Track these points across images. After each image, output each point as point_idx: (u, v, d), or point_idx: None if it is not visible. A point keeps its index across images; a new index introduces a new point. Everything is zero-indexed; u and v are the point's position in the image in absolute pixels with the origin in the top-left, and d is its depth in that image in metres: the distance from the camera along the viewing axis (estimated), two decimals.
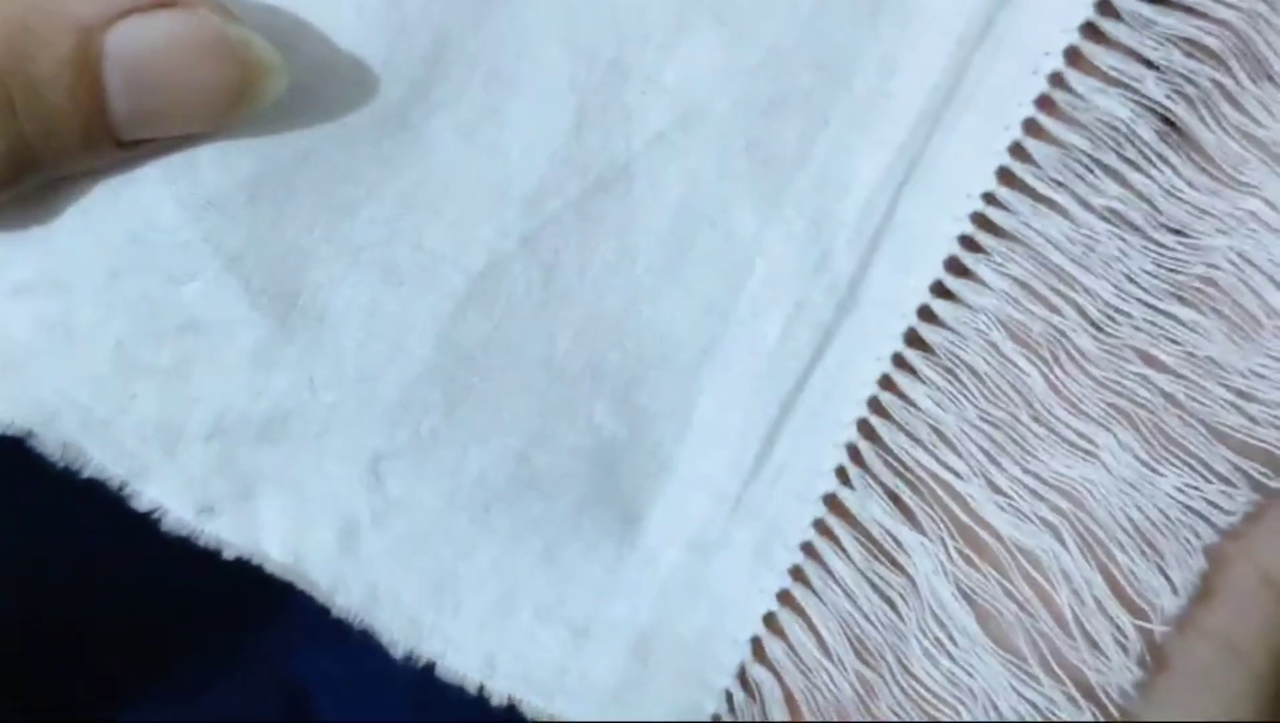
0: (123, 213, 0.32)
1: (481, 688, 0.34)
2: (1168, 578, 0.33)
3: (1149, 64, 0.33)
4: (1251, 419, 0.33)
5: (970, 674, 0.33)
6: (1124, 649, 0.33)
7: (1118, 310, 0.33)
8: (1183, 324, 0.33)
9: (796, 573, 0.34)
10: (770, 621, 0.34)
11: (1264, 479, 0.33)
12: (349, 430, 0.33)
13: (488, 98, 0.33)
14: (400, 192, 0.33)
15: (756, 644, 0.34)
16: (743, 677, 0.34)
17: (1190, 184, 0.33)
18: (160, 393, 0.32)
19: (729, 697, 0.34)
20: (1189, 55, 0.32)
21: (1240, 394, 0.33)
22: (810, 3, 0.33)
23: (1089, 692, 0.33)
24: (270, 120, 0.32)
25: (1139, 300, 0.33)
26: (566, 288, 0.33)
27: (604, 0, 0.33)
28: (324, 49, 0.32)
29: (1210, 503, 0.33)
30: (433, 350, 0.33)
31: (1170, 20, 0.32)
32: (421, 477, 0.33)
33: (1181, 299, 0.33)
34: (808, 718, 0.33)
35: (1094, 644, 0.33)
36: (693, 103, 0.33)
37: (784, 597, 0.34)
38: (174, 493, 0.32)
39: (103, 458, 0.32)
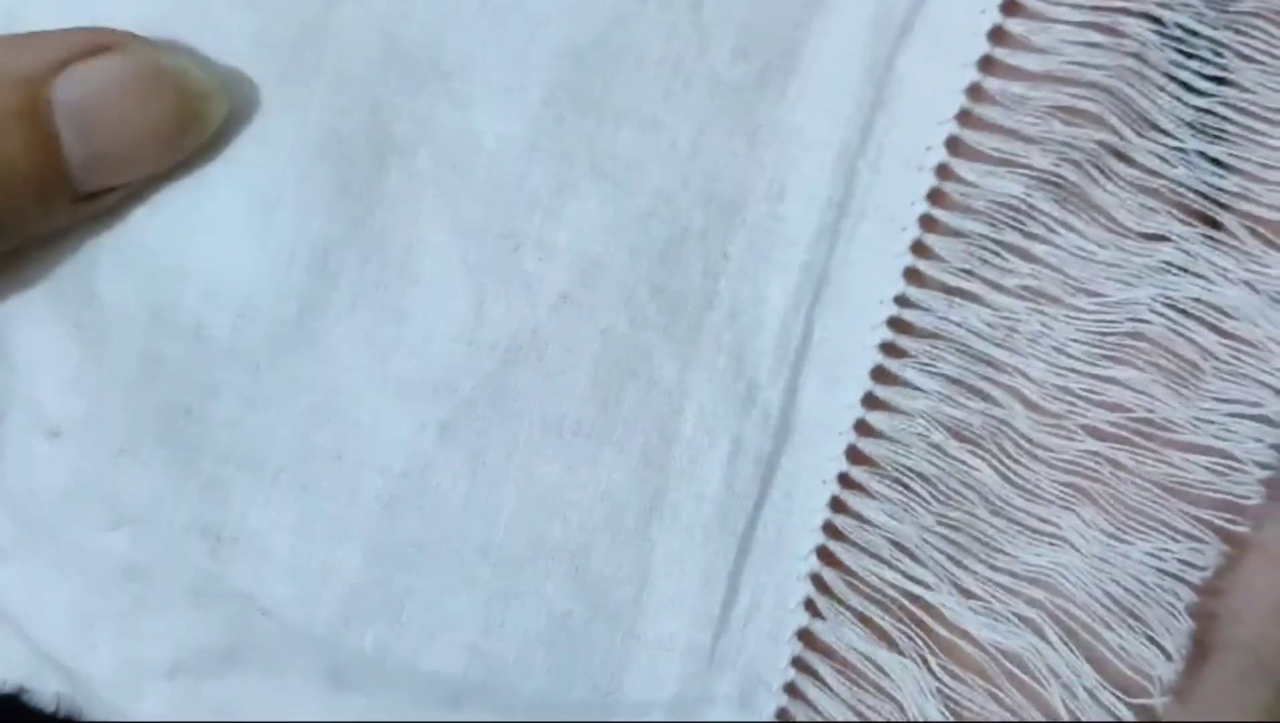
0: (53, 471, 0.32)
1: None
2: (1159, 646, 0.32)
3: (1031, 139, 0.32)
4: (1208, 470, 0.32)
5: None
6: None
7: (1054, 386, 0.32)
8: (1121, 385, 0.32)
9: (783, 715, 0.33)
10: None
11: (1232, 527, 0.32)
12: (301, 651, 0.32)
13: (383, 296, 0.33)
14: (311, 407, 0.32)
15: None
16: None
17: (1099, 244, 0.32)
18: (118, 639, 0.32)
19: None
20: (1069, 124, 0.32)
21: (1191, 447, 0.32)
22: (686, 142, 0.33)
23: None
24: (170, 356, 0.32)
25: (1073, 371, 0.32)
26: (495, 469, 0.32)
27: (481, 177, 0.33)
28: (214, 285, 0.32)
29: (1184, 563, 0.32)
30: (365, 560, 0.32)
31: (1043, 94, 0.32)
32: (380, 684, 0.32)
33: (1116, 360, 0.32)
34: None
35: None
36: (590, 259, 0.33)
37: None
38: None
39: (85, 707, 0.33)
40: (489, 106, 0.33)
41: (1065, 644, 0.32)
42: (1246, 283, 0.32)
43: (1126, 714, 0.31)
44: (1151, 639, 0.32)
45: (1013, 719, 0.32)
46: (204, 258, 0.32)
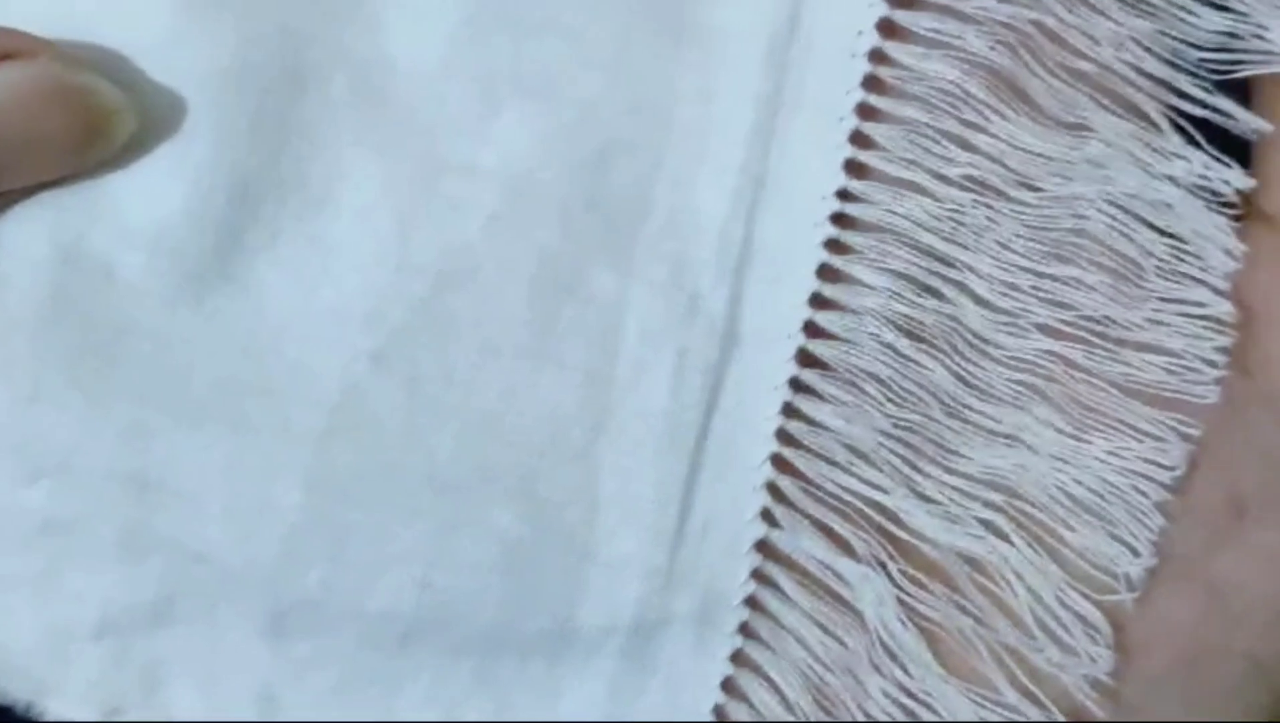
0: None
1: None
2: (1124, 543, 0.31)
3: (966, 18, 0.31)
4: (1164, 370, 0.31)
5: (930, 707, 0.31)
6: (1093, 638, 0.31)
7: (1003, 282, 0.31)
8: (1069, 283, 0.31)
9: (745, 629, 0.32)
10: (729, 685, 0.32)
11: (1189, 430, 0.31)
12: (239, 597, 0.31)
13: (304, 226, 0.31)
14: (235, 344, 0.31)
15: (720, 711, 0.32)
16: None
17: (1031, 134, 0.31)
18: (37, 601, 0.31)
19: None
20: (1004, 0, 0.31)
21: (1144, 346, 0.31)
22: (610, 50, 0.31)
23: (1063, 695, 0.31)
24: (80, 297, 0.30)
25: (1020, 268, 0.31)
26: (433, 396, 0.31)
27: (400, 102, 0.31)
28: (119, 218, 0.30)
29: (1148, 462, 0.31)
30: (303, 497, 0.31)
31: None
32: (324, 627, 0.31)
33: (1061, 257, 0.31)
34: None
35: (1060, 641, 0.31)
36: (519, 177, 0.31)
37: (738, 657, 0.32)
38: (77, 702, 0.31)
39: (4, 682, 0.31)
40: (403, 29, 0.31)
41: (1029, 546, 0.31)
42: (1170, 178, 0.31)
43: (1093, 612, 0.31)
44: (1116, 537, 0.31)
45: (976, 624, 0.31)
46: (115, 194, 0.30)
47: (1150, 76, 0.31)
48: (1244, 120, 0.31)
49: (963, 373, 0.31)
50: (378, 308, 0.31)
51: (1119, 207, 0.31)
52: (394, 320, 0.31)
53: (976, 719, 0.31)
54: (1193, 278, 0.31)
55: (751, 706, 0.32)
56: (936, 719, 0.31)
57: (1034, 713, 0.31)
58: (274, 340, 0.31)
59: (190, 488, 0.31)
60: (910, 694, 0.31)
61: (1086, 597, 0.31)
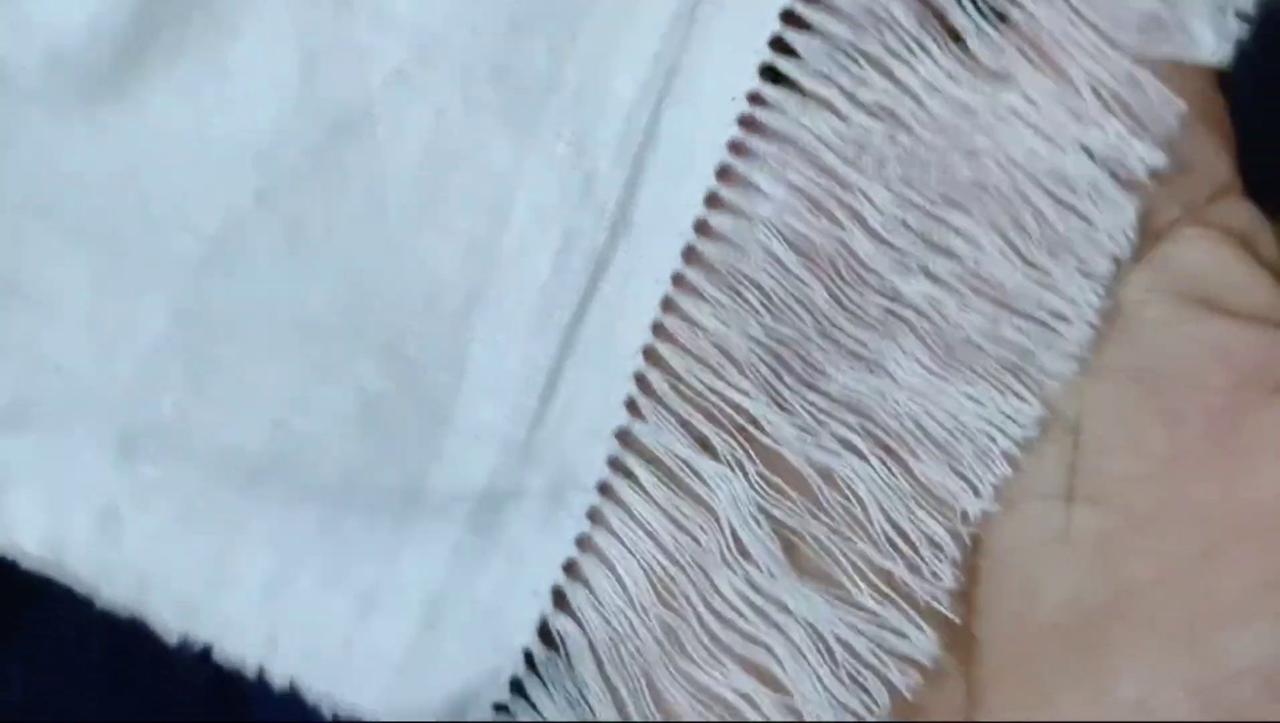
0: None
1: (262, 671, 0.32)
2: (966, 480, 0.31)
3: None
4: (1023, 334, 0.32)
5: (783, 606, 0.31)
6: (938, 554, 0.31)
7: (895, 217, 0.31)
8: (957, 233, 0.31)
9: (595, 515, 0.32)
10: (571, 568, 0.32)
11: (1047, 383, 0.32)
12: (93, 413, 0.31)
13: (207, 52, 0.31)
14: (121, 161, 0.30)
15: (558, 595, 0.32)
16: (544, 631, 0.32)
17: (950, 75, 0.31)
18: None
19: (528, 656, 0.32)
20: None
21: (1014, 310, 0.32)
22: None
23: (914, 605, 0.31)
24: None
25: (915, 206, 0.31)
26: (314, 242, 0.31)
27: None
28: (18, 18, 0.30)
29: (1004, 414, 0.31)
30: (168, 322, 0.31)
31: None
32: (174, 454, 0.31)
33: (955, 203, 0.31)
34: (610, 669, 0.32)
35: (907, 557, 0.31)
36: (429, 34, 0.31)
37: (583, 542, 0.32)
38: None
39: None
40: None
41: (884, 466, 0.32)
42: (1082, 145, 0.31)
43: (939, 531, 0.31)
44: (959, 473, 0.32)
45: (829, 534, 0.32)
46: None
47: (1075, 40, 0.31)
48: (1163, 101, 0.31)
49: (840, 295, 0.32)
50: (271, 146, 0.31)
51: (1020, 168, 0.31)
52: (285, 162, 0.31)
53: (831, 619, 0.32)
54: (1075, 258, 0.31)
55: (590, 591, 0.32)
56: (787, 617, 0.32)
57: (890, 615, 0.32)
58: (161, 163, 0.31)
59: (56, 297, 0.31)
60: (762, 593, 0.32)
61: (934, 517, 0.32)
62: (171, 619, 0.32)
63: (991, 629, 0.32)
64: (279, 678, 0.32)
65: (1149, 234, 0.32)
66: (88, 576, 0.31)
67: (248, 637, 0.32)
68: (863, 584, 0.31)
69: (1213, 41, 0.31)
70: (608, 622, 0.32)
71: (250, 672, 0.32)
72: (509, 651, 0.32)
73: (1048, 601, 0.31)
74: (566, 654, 0.32)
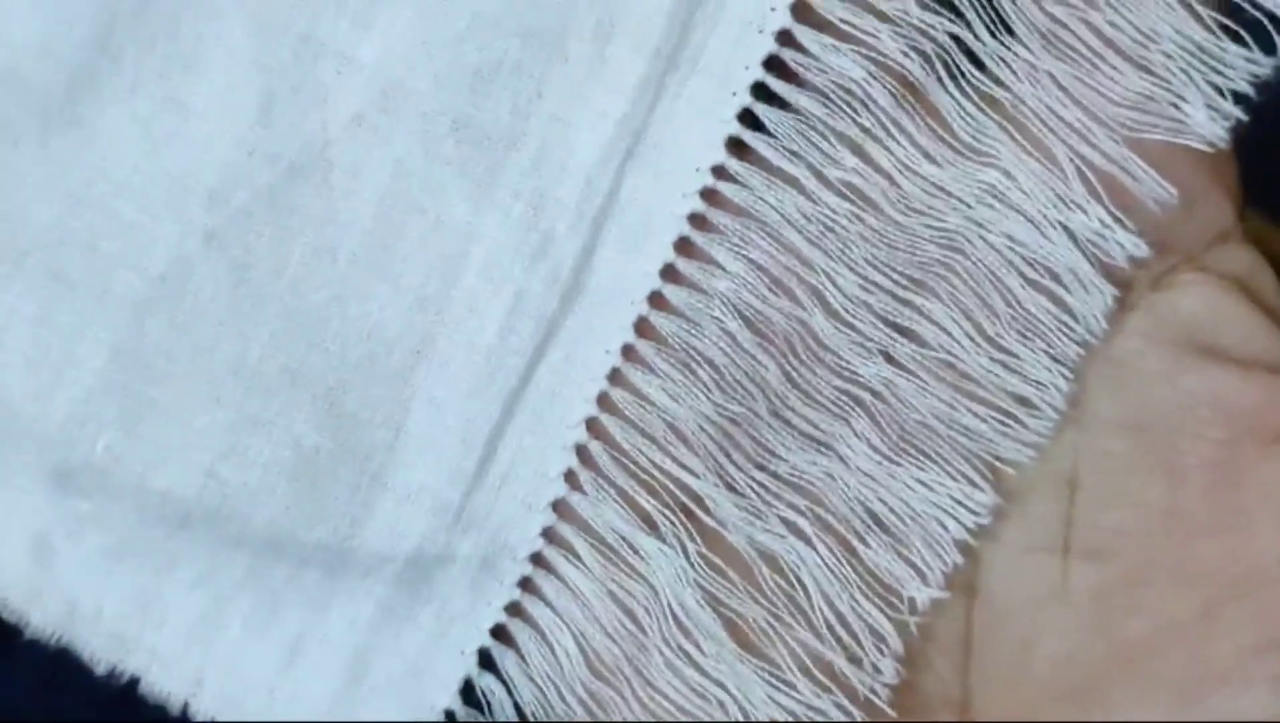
0: None
1: (186, 709, 0.31)
2: (915, 567, 0.30)
3: (883, 17, 0.30)
4: (982, 420, 0.30)
5: (721, 685, 0.30)
6: (880, 648, 0.30)
7: (859, 300, 0.30)
8: (920, 315, 0.30)
9: (527, 585, 0.31)
10: (500, 633, 0.31)
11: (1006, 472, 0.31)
12: (28, 445, 0.31)
13: (165, 85, 0.30)
14: (71, 191, 0.30)
15: (485, 656, 0.31)
16: (469, 692, 0.31)
17: (927, 155, 0.30)
18: None
19: (451, 715, 0.31)
20: (924, 6, 0.29)
21: (976, 397, 0.30)
22: None
23: (854, 696, 0.30)
24: None
25: (880, 289, 0.30)
26: (260, 287, 0.30)
27: None
28: None
29: (954, 501, 0.30)
30: (107, 362, 0.30)
31: None
32: (106, 493, 0.31)
33: (922, 287, 0.30)
34: None
35: (849, 648, 0.30)
36: (392, 81, 0.30)
37: (514, 608, 0.31)
38: None
39: None
40: None
41: (830, 551, 0.31)
42: (1064, 227, 0.29)
43: (883, 623, 0.30)
44: (907, 560, 0.31)
45: (770, 619, 0.31)
46: None
47: (1062, 120, 0.30)
48: (1152, 185, 0.30)
49: (794, 375, 0.31)
50: (223, 186, 0.30)
51: (994, 249, 0.30)
52: (237, 203, 0.30)
53: (768, 700, 0.31)
54: (1044, 342, 0.30)
55: (520, 656, 0.31)
56: (721, 695, 0.31)
57: (827, 706, 0.31)
58: (112, 196, 0.30)
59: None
60: (699, 670, 0.31)
61: (879, 608, 0.31)
62: (100, 650, 0.32)
63: (985, 686, 0.31)
64: (202, 717, 0.32)
65: (1146, 281, 0.31)
66: (17, 601, 0.31)
67: (174, 674, 0.32)
68: (798, 673, 0.30)
69: (1206, 122, 0.29)
70: (537, 687, 0.31)
71: (174, 709, 0.32)
72: (433, 709, 0.31)
73: (1043, 658, 0.30)
74: (491, 715, 0.31)
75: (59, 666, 0.32)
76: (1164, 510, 0.30)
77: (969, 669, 0.31)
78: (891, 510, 0.31)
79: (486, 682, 0.31)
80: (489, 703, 0.31)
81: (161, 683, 0.31)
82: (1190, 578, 0.30)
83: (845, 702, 0.31)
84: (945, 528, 0.31)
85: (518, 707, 0.31)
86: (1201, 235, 0.31)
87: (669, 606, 0.31)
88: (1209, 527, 0.30)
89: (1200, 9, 0.29)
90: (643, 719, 0.31)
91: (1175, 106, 0.29)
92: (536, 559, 0.31)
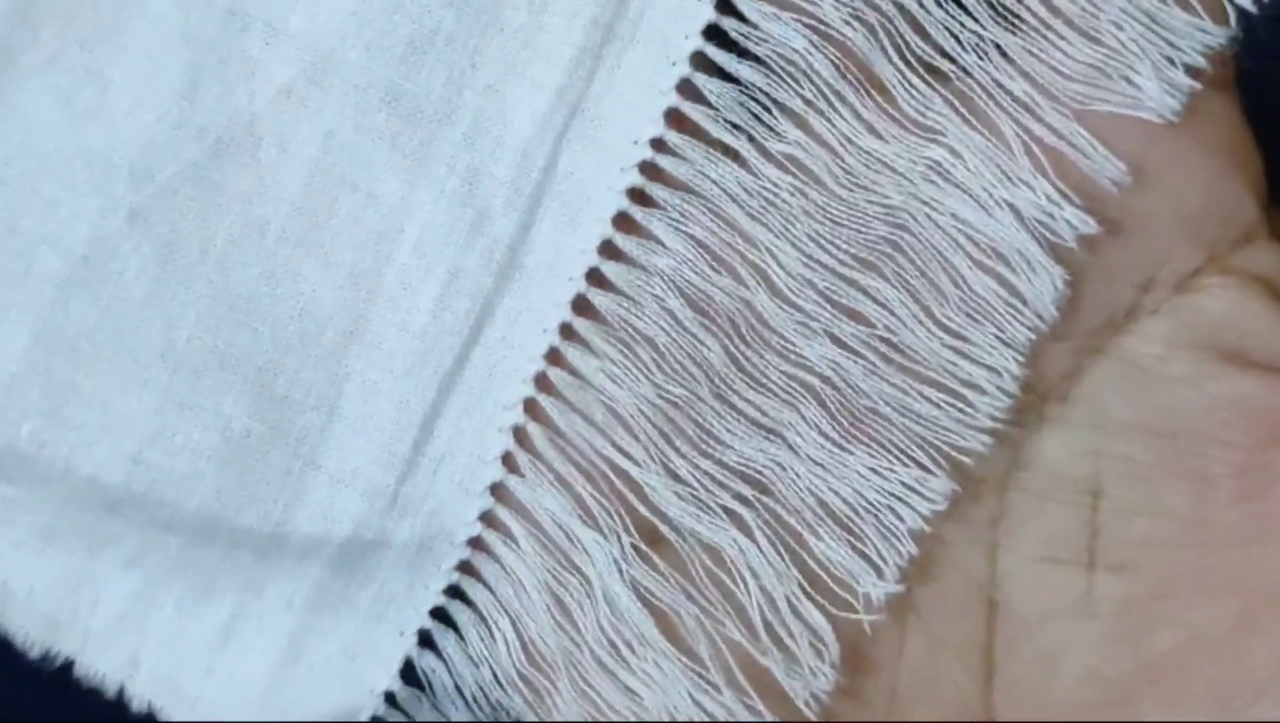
0: None
1: (122, 692, 0.31)
2: (870, 562, 0.29)
3: None
4: (934, 405, 0.29)
5: (648, 685, 0.30)
6: (819, 653, 0.29)
7: (802, 277, 0.29)
8: (867, 295, 0.29)
9: (466, 568, 0.31)
10: (439, 614, 0.31)
11: (960, 460, 0.30)
12: None
13: (87, 57, 0.29)
14: None
15: (425, 637, 0.31)
16: (410, 673, 0.31)
17: (871, 129, 0.29)
18: None
19: (391, 698, 0.31)
20: None
21: (925, 379, 0.29)
22: None
23: (782, 699, 0.30)
24: None
25: (823, 266, 0.29)
26: (187, 266, 0.30)
27: None
28: None
29: (908, 487, 0.29)
30: (29, 345, 0.30)
31: None
32: (32, 478, 0.30)
33: (867, 266, 0.29)
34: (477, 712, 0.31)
35: (786, 648, 0.29)
36: (322, 52, 0.29)
37: (453, 591, 0.31)
38: None
39: None
40: None
41: (771, 545, 0.30)
42: (1010, 205, 0.28)
43: (824, 626, 0.30)
44: (862, 554, 0.30)
45: (702, 615, 0.30)
46: None
47: (1010, 94, 0.29)
48: (1101, 160, 0.29)
49: (739, 357, 0.30)
50: (147, 162, 0.29)
51: (940, 228, 0.29)
52: (161, 179, 0.29)
53: (691, 702, 0.30)
54: (993, 325, 0.29)
55: (460, 636, 0.31)
56: (648, 696, 0.30)
57: (742, 711, 0.30)
58: (31, 173, 0.29)
59: None
60: (629, 667, 0.30)
61: (821, 608, 0.30)
62: (34, 633, 0.31)
63: (1008, 699, 0.30)
64: (138, 701, 0.31)
65: (1168, 283, 0.29)
66: None
67: (109, 656, 0.31)
68: (724, 674, 0.30)
69: (1158, 94, 0.29)
70: (475, 668, 0.31)
71: (110, 692, 0.31)
72: (370, 692, 0.31)
73: (1068, 673, 0.29)
74: (433, 693, 0.31)
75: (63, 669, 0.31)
76: (1191, 520, 0.29)
77: (992, 683, 0.30)
78: (844, 501, 0.30)
79: (427, 661, 0.31)
80: (429, 683, 0.31)
81: (96, 665, 0.31)
82: (1220, 589, 0.29)
83: (763, 709, 0.30)
84: (900, 518, 0.30)
85: (457, 687, 0.31)
86: (1226, 234, 0.30)
87: (602, 599, 0.30)
88: (1238, 536, 0.29)
89: None
90: (574, 711, 0.30)
91: (1127, 80, 0.28)
92: (475, 543, 0.30)
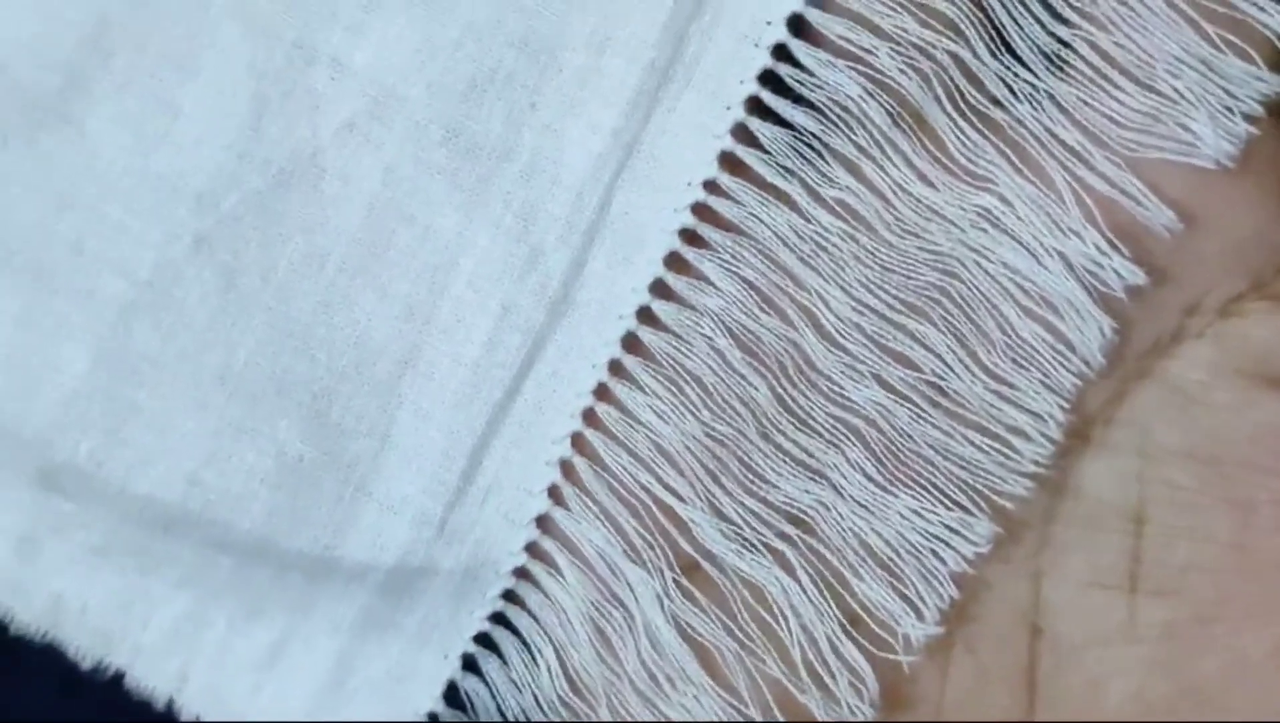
0: None
1: (171, 704, 0.31)
2: (910, 603, 0.30)
3: (881, 34, 0.29)
4: (978, 448, 0.29)
5: (687, 719, 0.30)
6: (858, 692, 0.30)
7: (851, 322, 0.30)
8: (914, 340, 0.30)
9: (510, 596, 0.31)
10: (483, 639, 0.31)
11: (1003, 504, 0.30)
12: (12, 445, 0.30)
13: (157, 86, 0.30)
14: (59, 191, 0.30)
15: (469, 660, 0.31)
16: (453, 695, 0.31)
17: (922, 177, 0.29)
18: None
19: (434, 719, 0.31)
20: (924, 24, 0.29)
21: (970, 424, 0.30)
22: None
23: None
24: None
25: (872, 311, 0.30)
26: (248, 293, 0.30)
27: None
28: None
29: (950, 530, 0.29)
30: (91, 366, 0.30)
31: None
32: (90, 496, 0.31)
33: (916, 311, 0.30)
34: None
35: (825, 687, 0.30)
36: (385, 88, 0.30)
37: (497, 617, 0.31)
38: None
39: None
40: None
41: (814, 584, 0.30)
42: (1060, 253, 0.29)
43: (863, 665, 0.30)
44: (903, 595, 0.30)
45: (742, 651, 0.30)
46: None
47: (1062, 142, 0.29)
48: (1153, 209, 0.29)
49: (786, 397, 0.30)
50: (212, 190, 0.30)
51: (989, 275, 0.29)
52: (226, 207, 0.30)
53: None
54: (1040, 371, 0.29)
55: (503, 661, 0.31)
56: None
57: None
58: (99, 197, 0.30)
59: None
60: (668, 699, 0.30)
61: (860, 647, 0.30)
62: (86, 645, 0.31)
63: None
64: (187, 714, 0.32)
65: (1212, 309, 0.30)
66: (3, 597, 0.31)
67: (159, 669, 0.31)
68: (761, 711, 0.30)
69: (1215, 142, 0.29)
70: (518, 691, 0.31)
71: (159, 704, 0.32)
72: (416, 711, 0.31)
73: (1112, 697, 0.29)
74: (475, 714, 0.31)
75: (72, 673, 0.32)
76: (1234, 546, 0.29)
77: (1036, 709, 0.30)
78: (886, 542, 0.30)
79: (470, 684, 0.31)
80: (472, 704, 0.31)
81: (146, 679, 0.31)
82: (1263, 615, 0.29)
83: None
84: (942, 561, 0.30)
85: (500, 710, 0.31)
86: (1271, 262, 0.30)
87: (643, 632, 0.30)
88: None
89: (1208, 27, 0.29)
90: None
91: (1183, 127, 0.29)
92: (520, 573, 0.31)
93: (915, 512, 0.30)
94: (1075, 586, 0.30)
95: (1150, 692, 0.29)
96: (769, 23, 0.29)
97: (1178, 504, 0.29)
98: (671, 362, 0.30)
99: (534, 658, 0.31)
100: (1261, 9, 0.29)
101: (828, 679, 0.30)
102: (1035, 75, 0.29)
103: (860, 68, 0.29)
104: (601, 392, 0.31)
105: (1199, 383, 0.30)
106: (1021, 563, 0.30)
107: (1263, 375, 0.29)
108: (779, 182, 0.30)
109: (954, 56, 0.29)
